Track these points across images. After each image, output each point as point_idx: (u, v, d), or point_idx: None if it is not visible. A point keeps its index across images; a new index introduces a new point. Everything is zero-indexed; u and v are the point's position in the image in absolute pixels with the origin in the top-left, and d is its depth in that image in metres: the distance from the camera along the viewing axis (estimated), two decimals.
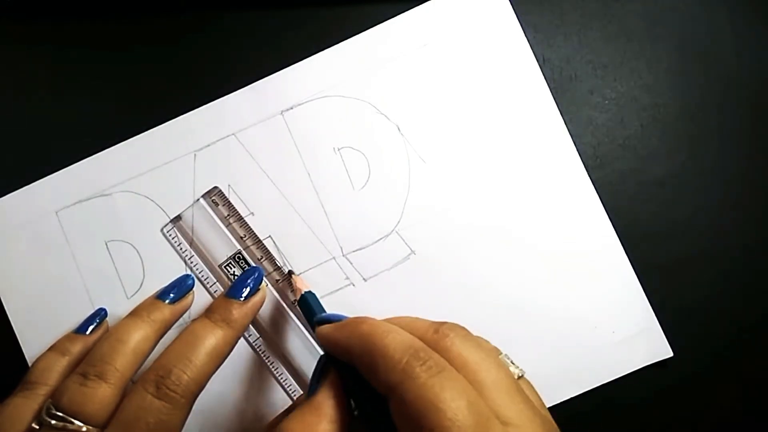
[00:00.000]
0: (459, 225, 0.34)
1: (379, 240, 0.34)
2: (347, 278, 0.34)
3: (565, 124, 0.35)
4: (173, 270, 0.34)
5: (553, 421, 0.24)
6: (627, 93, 0.36)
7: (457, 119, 0.34)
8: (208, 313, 0.31)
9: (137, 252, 0.35)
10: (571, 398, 0.33)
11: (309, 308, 0.31)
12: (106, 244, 0.35)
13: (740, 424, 0.34)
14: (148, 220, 0.35)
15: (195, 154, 0.35)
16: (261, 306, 0.33)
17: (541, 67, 0.35)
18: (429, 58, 0.35)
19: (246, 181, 0.35)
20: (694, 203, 0.35)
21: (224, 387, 0.34)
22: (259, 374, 0.34)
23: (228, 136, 0.35)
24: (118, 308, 0.34)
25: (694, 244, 0.35)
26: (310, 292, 0.32)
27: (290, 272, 0.34)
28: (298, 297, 0.32)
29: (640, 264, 0.34)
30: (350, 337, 0.25)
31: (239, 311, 0.31)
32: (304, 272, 0.34)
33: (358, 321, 0.25)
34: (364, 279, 0.34)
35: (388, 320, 0.26)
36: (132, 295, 0.34)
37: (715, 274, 0.35)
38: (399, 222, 0.34)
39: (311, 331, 0.30)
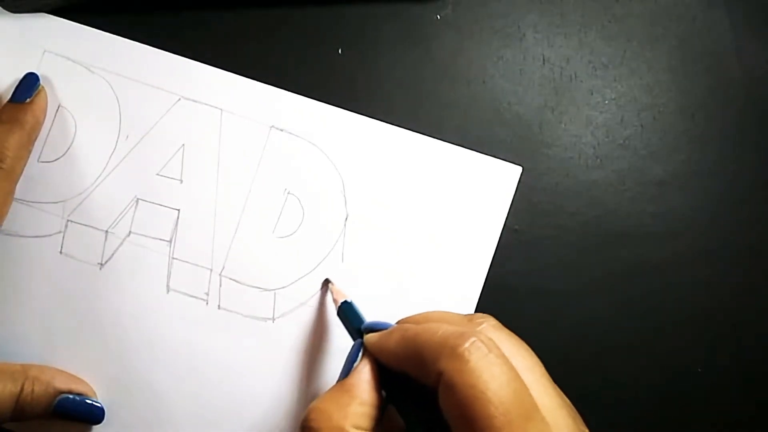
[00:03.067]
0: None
1: (255, 287, 0.34)
2: (207, 293, 0.34)
3: (565, 124, 0.35)
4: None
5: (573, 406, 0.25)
6: (627, 93, 0.36)
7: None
8: None
9: (75, 128, 0.35)
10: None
11: (350, 317, 0.31)
12: (57, 107, 0.35)
13: (743, 423, 0.34)
14: (108, 118, 0.35)
15: (180, 98, 0.35)
16: (46, 106, 0.34)
17: (541, 67, 0.35)
18: (416, 182, 0.35)
19: (198, 154, 0.35)
20: (694, 203, 0.35)
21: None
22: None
23: (216, 107, 0.35)
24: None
25: (695, 244, 0.35)
26: (348, 301, 0.32)
27: (327, 280, 0.34)
28: (337, 306, 0.32)
29: (640, 264, 0.34)
30: (399, 342, 0.25)
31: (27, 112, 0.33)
32: (181, 258, 0.34)
33: (405, 327, 0.26)
34: (219, 306, 0.34)
35: (420, 315, 0.27)
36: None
37: (715, 274, 0.35)
38: (283, 288, 0.34)
39: (353, 337, 0.30)
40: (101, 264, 0.34)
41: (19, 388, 0.30)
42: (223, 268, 0.34)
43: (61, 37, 0.35)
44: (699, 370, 0.34)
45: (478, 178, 0.34)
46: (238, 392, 0.34)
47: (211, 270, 0.34)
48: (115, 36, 0.35)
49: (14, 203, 0.34)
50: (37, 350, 0.34)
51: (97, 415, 0.32)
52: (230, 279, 0.34)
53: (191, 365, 0.34)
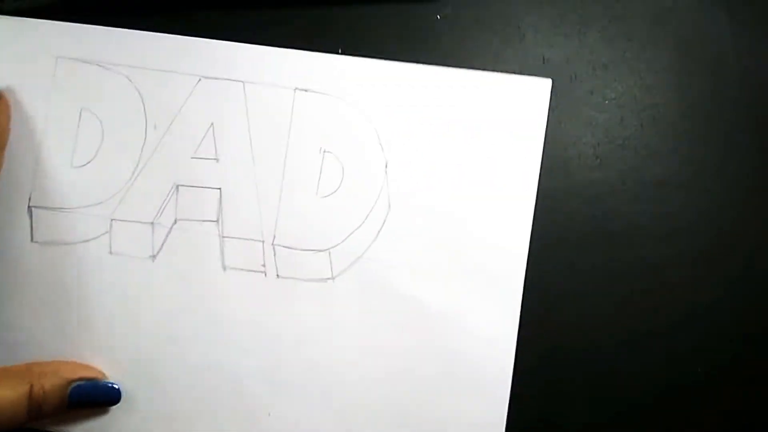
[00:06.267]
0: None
1: (309, 250, 0.34)
2: (263, 265, 0.34)
3: (565, 124, 0.35)
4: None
5: None
6: (627, 93, 0.36)
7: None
8: None
9: (101, 128, 0.35)
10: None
11: None
12: (80, 111, 0.35)
13: (743, 423, 0.34)
14: (132, 111, 0.35)
15: (200, 79, 0.35)
16: (8, 110, 0.33)
17: (541, 67, 0.35)
18: (447, 114, 0.35)
19: (229, 130, 0.35)
20: (694, 203, 0.35)
21: None
22: None
23: (237, 80, 0.35)
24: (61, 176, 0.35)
25: (695, 244, 0.35)
26: None
27: None
28: None
29: (640, 264, 0.34)
30: None
31: None
32: (231, 236, 0.34)
33: None
34: (277, 275, 0.34)
35: None
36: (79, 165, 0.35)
37: (715, 275, 0.35)
38: (337, 246, 0.34)
39: None
40: (153, 256, 0.34)
41: (28, 387, 0.30)
42: (275, 237, 0.34)
43: (71, 40, 0.35)
44: (699, 370, 0.34)
45: (508, 99, 0.34)
46: (311, 358, 0.34)
47: (263, 241, 0.34)
48: (123, 29, 0.35)
49: (56, 212, 0.34)
50: (104, 354, 0.34)
51: (113, 396, 0.32)
52: (283, 247, 0.34)
53: (259, 338, 0.34)
